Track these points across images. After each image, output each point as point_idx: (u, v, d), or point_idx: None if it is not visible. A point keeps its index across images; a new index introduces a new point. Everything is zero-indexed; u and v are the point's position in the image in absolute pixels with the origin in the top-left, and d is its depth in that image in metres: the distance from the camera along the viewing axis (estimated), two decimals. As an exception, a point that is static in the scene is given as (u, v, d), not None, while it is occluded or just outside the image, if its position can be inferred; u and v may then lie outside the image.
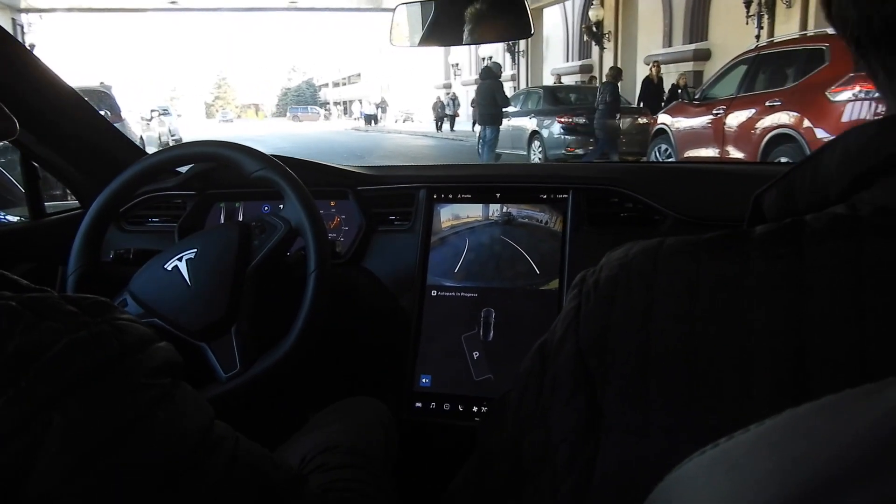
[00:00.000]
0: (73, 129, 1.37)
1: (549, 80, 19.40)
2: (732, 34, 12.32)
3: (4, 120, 0.60)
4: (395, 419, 1.28)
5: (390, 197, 1.42)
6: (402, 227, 1.39)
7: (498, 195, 1.35)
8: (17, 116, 1.24)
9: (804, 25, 10.77)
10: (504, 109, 9.62)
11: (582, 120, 9.87)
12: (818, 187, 0.42)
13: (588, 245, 1.28)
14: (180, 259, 1.07)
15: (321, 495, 0.59)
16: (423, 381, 1.29)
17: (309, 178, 1.40)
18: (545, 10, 21.02)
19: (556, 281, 1.27)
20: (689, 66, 14.64)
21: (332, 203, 1.46)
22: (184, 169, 1.31)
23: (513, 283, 1.30)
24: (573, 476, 0.43)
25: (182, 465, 0.45)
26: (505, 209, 1.34)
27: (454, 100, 20.51)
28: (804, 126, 5.85)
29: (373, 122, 36.01)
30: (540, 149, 10.28)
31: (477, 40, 1.01)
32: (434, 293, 1.33)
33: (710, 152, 7.32)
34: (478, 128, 10.10)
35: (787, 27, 11.01)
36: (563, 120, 9.93)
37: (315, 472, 0.72)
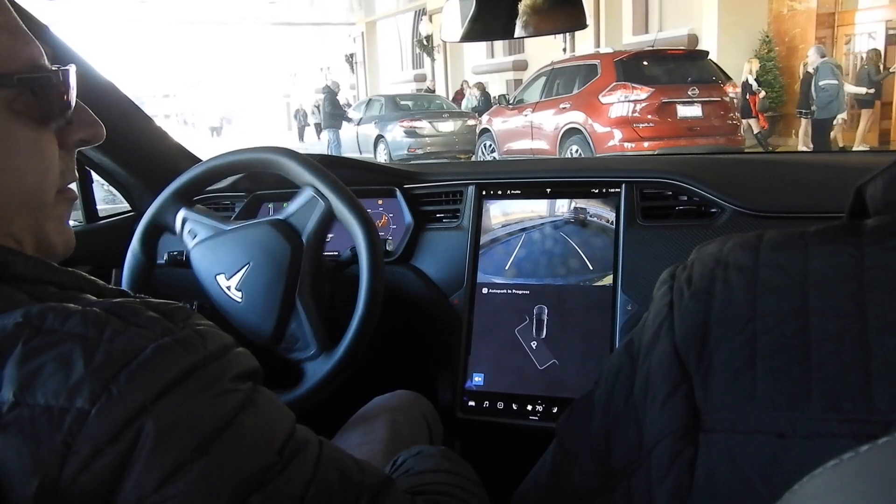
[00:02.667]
0: (126, 134, 1.39)
1: (385, 89, 20.61)
2: (544, 47, 13.85)
3: (93, 126, 0.60)
4: (449, 417, 1.27)
5: (438, 194, 1.41)
6: (451, 224, 1.38)
7: (548, 191, 1.33)
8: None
9: (597, 40, 13.09)
10: (349, 116, 12.46)
11: (420, 124, 11.66)
12: None
13: (642, 239, 1.25)
14: (229, 279, 1.10)
15: (411, 498, 0.58)
16: (476, 379, 1.28)
17: (355, 177, 1.40)
18: (378, 23, 22.79)
19: (609, 276, 1.25)
20: (510, 76, 16.87)
21: (380, 201, 1.45)
22: None
23: (565, 279, 1.28)
24: (672, 478, 0.41)
25: (270, 468, 0.45)
26: (556, 205, 1.32)
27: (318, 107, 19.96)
28: (587, 122, 8.10)
29: (215, 134, 32.36)
30: (385, 150, 11.86)
31: (530, 33, 0.99)
32: (485, 291, 1.32)
33: (523, 144, 9.32)
34: (325, 134, 12.37)
35: (585, 41, 13.01)
36: (404, 124, 11.68)
37: (403, 475, 0.70)
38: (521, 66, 16.79)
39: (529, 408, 1.24)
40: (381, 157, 11.58)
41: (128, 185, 1.48)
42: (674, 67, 8.21)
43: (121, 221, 1.52)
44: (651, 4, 13.21)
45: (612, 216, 1.28)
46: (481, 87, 14.32)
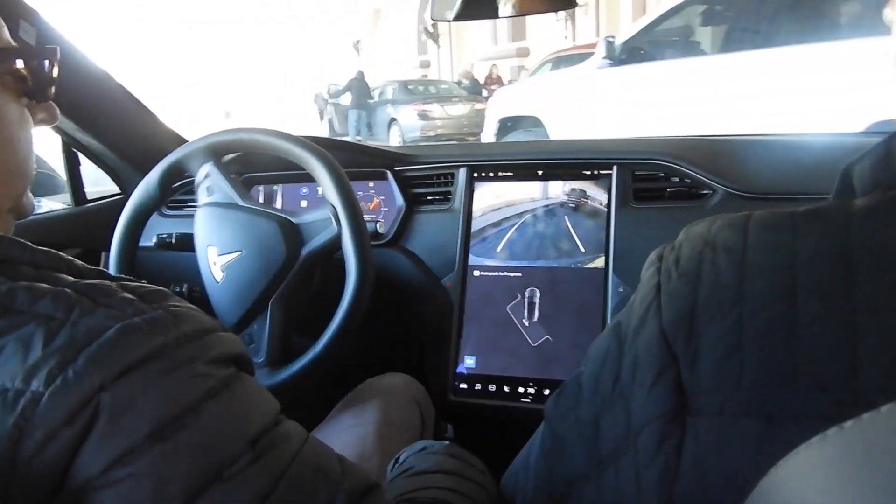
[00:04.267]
0: (114, 116, 1.37)
1: (390, 76, 20.89)
2: (546, 34, 14.60)
3: (51, 108, 0.61)
4: (440, 400, 1.27)
5: (430, 177, 1.40)
6: (442, 207, 1.37)
7: (540, 172, 1.32)
8: (58, 103, 1.25)
9: (598, 28, 13.47)
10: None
11: (431, 107, 12.08)
12: None
13: (634, 221, 1.25)
14: (219, 257, 1.09)
15: None
16: (468, 361, 1.28)
17: (346, 158, 1.39)
18: (382, 10, 23.05)
19: (601, 259, 1.25)
20: (514, 62, 17.08)
21: (371, 184, 1.44)
22: None
23: (557, 261, 1.28)
24: (659, 461, 0.41)
25: (236, 460, 0.43)
26: (548, 186, 1.31)
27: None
28: None
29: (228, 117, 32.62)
30: (399, 132, 12.24)
31: (518, 13, 0.98)
32: (477, 273, 1.31)
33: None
34: (352, 112, 13.21)
35: (586, 27, 13.67)
36: (416, 108, 12.14)
37: (402, 476, 0.67)
38: (524, 52, 17.19)
39: (521, 390, 1.24)
40: (395, 139, 12.16)
41: (116, 167, 1.47)
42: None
43: (109, 204, 1.51)
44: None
45: (604, 198, 1.27)
46: (469, 74, 15.23)
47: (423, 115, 12.06)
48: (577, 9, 13.34)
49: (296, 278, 1.08)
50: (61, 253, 0.52)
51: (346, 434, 1.05)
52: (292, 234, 1.08)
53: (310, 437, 0.50)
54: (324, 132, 15.08)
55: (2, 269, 0.47)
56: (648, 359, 0.43)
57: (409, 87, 13.53)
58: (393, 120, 12.55)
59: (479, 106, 11.96)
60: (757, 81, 3.70)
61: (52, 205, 1.49)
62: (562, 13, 13.43)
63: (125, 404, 0.41)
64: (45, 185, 1.51)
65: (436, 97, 12.63)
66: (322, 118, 17.83)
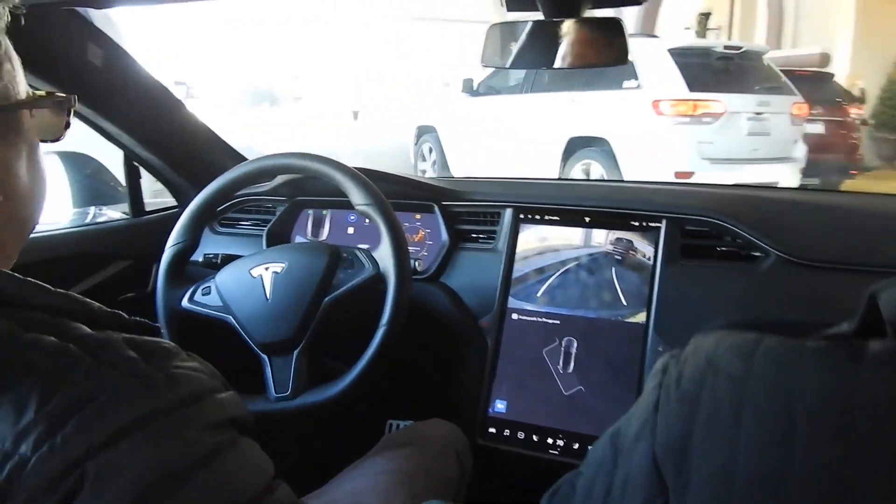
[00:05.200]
0: (170, 133, 1.42)
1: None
2: None
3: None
4: (468, 442, 1.25)
5: (476, 214, 1.39)
6: (486, 246, 1.36)
7: (587, 219, 1.30)
8: (117, 119, 1.30)
9: None
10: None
11: None
12: None
13: (680, 279, 1.21)
14: (267, 269, 1.10)
15: None
16: (499, 406, 1.27)
17: (395, 191, 1.40)
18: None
19: (643, 314, 1.22)
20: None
21: (418, 216, 1.44)
22: None
23: (597, 312, 1.25)
24: None
25: None
26: (594, 234, 1.29)
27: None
28: None
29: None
30: None
31: (570, 64, 0.96)
32: (515, 317, 1.29)
33: None
34: None
35: None
36: None
37: None
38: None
39: (550, 441, 1.22)
40: None
41: (174, 181, 1.51)
42: (799, 87, 7.12)
43: (165, 217, 1.56)
44: (785, 20, 13.08)
45: (650, 251, 1.24)
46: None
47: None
48: (710, 29, 13.10)
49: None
50: (77, 296, 0.52)
51: (376, 480, 1.01)
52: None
53: (299, 502, 0.50)
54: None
55: (14, 313, 0.48)
56: (638, 482, 0.41)
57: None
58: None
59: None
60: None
61: (113, 214, 1.55)
62: (691, 27, 13.05)
63: (110, 473, 0.41)
64: (109, 195, 1.56)
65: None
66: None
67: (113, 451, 0.41)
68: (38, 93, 0.59)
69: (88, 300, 0.53)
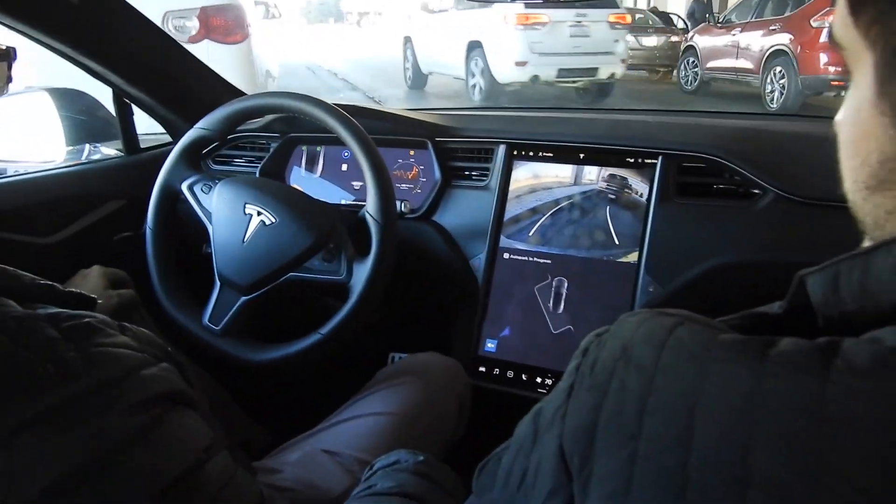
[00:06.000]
0: (160, 69, 1.38)
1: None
2: None
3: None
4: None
5: (469, 150, 1.36)
6: (478, 183, 1.33)
7: (581, 156, 1.26)
8: (104, 57, 1.26)
9: None
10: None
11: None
12: (869, 292, 0.34)
13: (674, 217, 1.18)
14: (259, 214, 1.08)
15: None
16: (489, 345, 1.27)
17: (388, 127, 1.37)
18: None
19: (635, 253, 1.19)
20: None
21: (412, 152, 1.41)
22: None
23: (589, 252, 1.23)
24: None
25: None
26: (589, 171, 1.25)
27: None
28: (794, 44, 8.22)
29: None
30: None
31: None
32: (506, 256, 1.28)
33: (726, 63, 9.63)
34: None
35: None
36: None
37: (363, 493, 0.66)
38: None
39: (539, 380, 1.22)
40: None
41: (166, 117, 1.49)
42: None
43: (160, 154, 1.54)
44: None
45: (645, 189, 1.20)
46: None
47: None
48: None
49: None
50: (8, 268, 0.51)
51: (376, 421, 1.01)
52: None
53: (234, 476, 0.49)
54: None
55: None
56: (546, 470, 0.40)
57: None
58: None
59: (674, 39, 11.80)
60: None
61: (109, 152, 1.54)
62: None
63: (20, 463, 0.40)
64: (105, 132, 1.55)
65: (628, 26, 12.30)
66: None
67: (23, 441, 0.40)
68: None
69: (21, 273, 0.52)
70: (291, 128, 1.47)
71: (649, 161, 1.21)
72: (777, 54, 8.52)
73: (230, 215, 1.10)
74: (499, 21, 8.06)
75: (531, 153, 1.30)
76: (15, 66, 0.78)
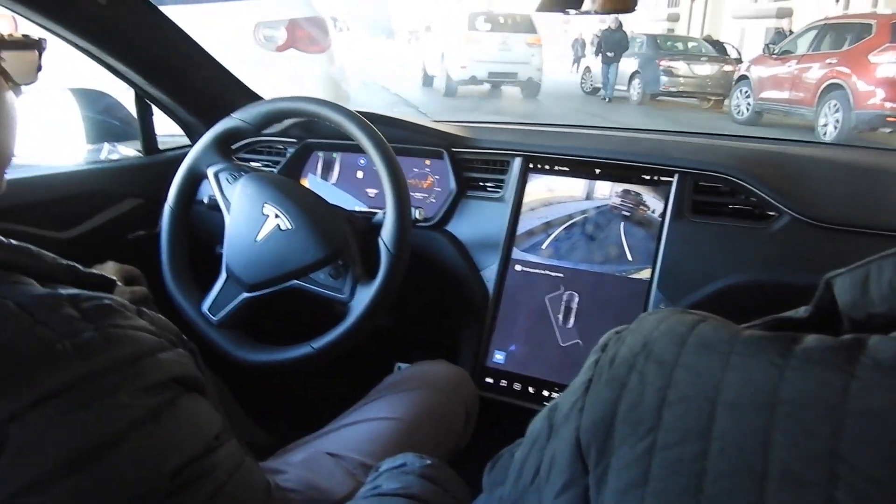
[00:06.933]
0: (182, 71, 1.40)
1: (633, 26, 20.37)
2: None
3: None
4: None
5: (485, 161, 1.36)
6: (493, 194, 1.34)
7: (597, 171, 1.26)
8: (127, 57, 1.28)
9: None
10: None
11: (677, 64, 12.38)
12: None
13: (688, 236, 1.17)
14: (277, 217, 1.08)
15: None
16: (497, 357, 1.26)
17: (405, 136, 1.37)
18: None
19: (648, 270, 1.19)
20: (770, 23, 16.33)
21: (428, 162, 1.42)
22: None
23: (602, 267, 1.22)
24: None
25: (152, 493, 0.43)
26: (604, 187, 1.25)
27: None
28: (851, 79, 8.42)
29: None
30: (639, 85, 12.77)
31: (599, 10, 0.94)
32: (518, 268, 1.28)
33: (780, 94, 9.83)
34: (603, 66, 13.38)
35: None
36: (662, 63, 12.42)
37: (369, 493, 0.66)
38: (786, 13, 16.60)
39: (545, 393, 1.22)
40: (634, 92, 12.89)
41: (185, 119, 1.51)
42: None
43: (178, 156, 1.55)
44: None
45: (660, 206, 1.20)
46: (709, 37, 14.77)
47: (668, 72, 12.25)
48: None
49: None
50: (31, 247, 0.51)
51: (379, 426, 1.00)
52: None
53: (243, 464, 0.50)
54: (575, 79, 15.24)
55: None
56: (562, 463, 0.40)
57: (658, 41, 13.56)
58: (636, 73, 12.79)
59: (727, 68, 12.24)
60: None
61: (127, 152, 1.55)
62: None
63: (34, 436, 0.40)
64: (124, 132, 1.56)
65: (683, 54, 12.72)
66: (575, 65, 17.89)
67: (37, 415, 0.41)
68: (15, 36, 0.58)
69: (43, 253, 0.52)
70: (309, 134, 1.48)
71: (665, 178, 1.21)
72: (832, 88, 8.66)
73: (249, 210, 1.10)
74: (455, 39, 12.04)
75: (547, 166, 1.30)
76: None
